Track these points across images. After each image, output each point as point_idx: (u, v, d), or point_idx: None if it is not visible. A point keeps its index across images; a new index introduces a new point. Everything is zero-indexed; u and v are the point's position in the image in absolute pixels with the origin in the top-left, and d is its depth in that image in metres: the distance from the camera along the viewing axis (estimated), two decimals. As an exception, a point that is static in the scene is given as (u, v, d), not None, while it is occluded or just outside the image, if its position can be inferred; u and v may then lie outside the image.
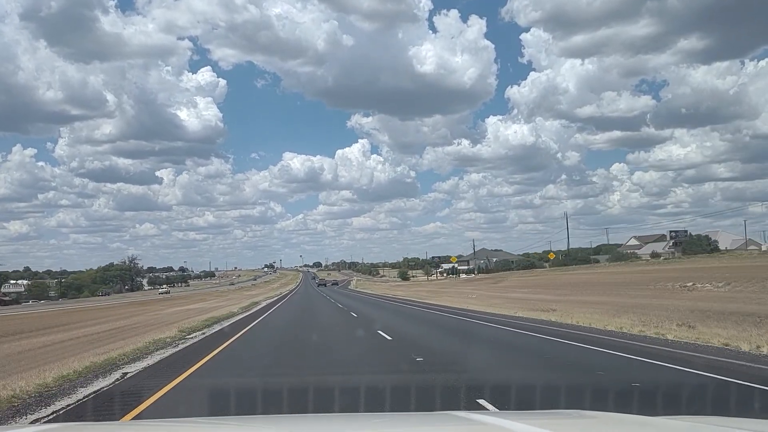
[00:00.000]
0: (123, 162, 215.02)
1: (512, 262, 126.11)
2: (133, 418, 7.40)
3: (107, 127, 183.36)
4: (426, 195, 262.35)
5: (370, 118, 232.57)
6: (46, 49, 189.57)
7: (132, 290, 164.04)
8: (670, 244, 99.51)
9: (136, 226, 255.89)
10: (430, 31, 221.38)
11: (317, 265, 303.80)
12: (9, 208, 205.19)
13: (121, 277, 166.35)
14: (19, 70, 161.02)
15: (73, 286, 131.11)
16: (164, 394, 9.14)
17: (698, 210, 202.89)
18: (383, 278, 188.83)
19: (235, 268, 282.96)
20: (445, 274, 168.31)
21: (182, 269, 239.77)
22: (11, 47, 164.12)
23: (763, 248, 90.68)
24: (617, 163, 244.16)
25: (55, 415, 7.97)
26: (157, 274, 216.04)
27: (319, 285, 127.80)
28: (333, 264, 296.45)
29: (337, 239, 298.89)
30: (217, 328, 23.46)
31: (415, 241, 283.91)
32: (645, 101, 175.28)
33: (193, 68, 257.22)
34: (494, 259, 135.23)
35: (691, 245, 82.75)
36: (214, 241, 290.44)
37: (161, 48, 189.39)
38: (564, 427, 3.09)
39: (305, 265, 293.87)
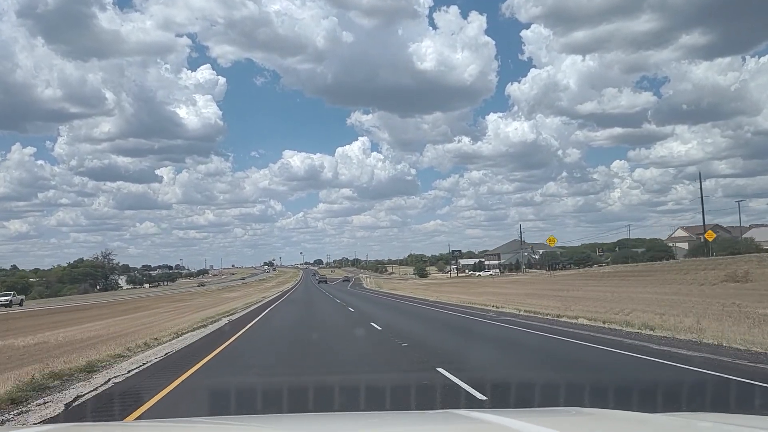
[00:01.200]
0: (122, 160, 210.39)
1: (559, 254, 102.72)
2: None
3: (106, 126, 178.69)
4: (426, 193, 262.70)
5: (370, 116, 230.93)
6: (44, 46, 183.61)
7: (106, 290, 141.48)
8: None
9: (137, 225, 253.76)
10: (430, 28, 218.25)
11: (318, 262, 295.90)
12: (9, 207, 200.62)
13: (92, 275, 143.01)
14: (17, 68, 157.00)
15: (16, 287, 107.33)
16: None
17: (699, 207, 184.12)
18: (393, 275, 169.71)
19: (233, 265, 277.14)
20: (466, 270, 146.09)
21: (169, 267, 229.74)
22: (9, 45, 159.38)
23: None
24: (618, 160, 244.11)
25: None
26: (145, 272, 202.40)
27: (319, 282, 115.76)
28: (334, 261, 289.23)
29: (337, 237, 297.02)
30: None
31: (415, 238, 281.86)
32: (646, 98, 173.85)
33: (192, 66, 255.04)
34: (539, 252, 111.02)
35: None
36: (215, 239, 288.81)
37: (160, 45, 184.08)
38: (563, 424, 2.93)
39: (306, 263, 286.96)
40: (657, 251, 77.31)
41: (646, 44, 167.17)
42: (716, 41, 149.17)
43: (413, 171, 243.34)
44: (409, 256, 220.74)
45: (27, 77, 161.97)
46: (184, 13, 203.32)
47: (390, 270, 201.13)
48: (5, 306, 58.64)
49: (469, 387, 8.19)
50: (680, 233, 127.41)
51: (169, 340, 16.85)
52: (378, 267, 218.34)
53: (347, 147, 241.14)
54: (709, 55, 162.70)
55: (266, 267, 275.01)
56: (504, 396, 7.69)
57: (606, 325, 17.16)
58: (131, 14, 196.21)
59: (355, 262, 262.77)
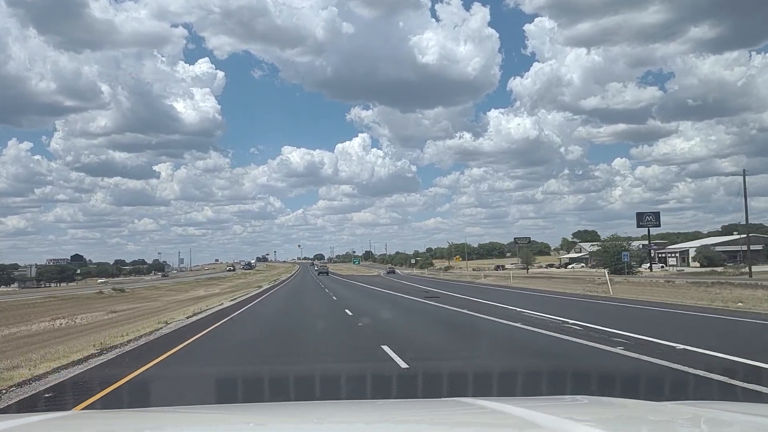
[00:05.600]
0: (119, 156, 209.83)
1: None
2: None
3: (102, 120, 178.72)
4: (427, 190, 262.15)
5: (370, 111, 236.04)
6: (36, 38, 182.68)
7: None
8: None
9: (135, 221, 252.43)
10: (433, 20, 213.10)
11: (319, 257, 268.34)
12: (6, 203, 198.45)
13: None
14: (10, 60, 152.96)
15: None
16: None
17: (701, 206, 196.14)
18: (457, 271, 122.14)
19: (216, 260, 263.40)
20: (623, 263, 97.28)
21: (116, 262, 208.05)
22: (0, 36, 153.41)
23: None
24: (619, 158, 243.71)
25: None
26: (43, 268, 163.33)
27: (320, 274, 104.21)
28: (337, 256, 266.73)
29: (337, 234, 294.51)
30: None
31: (415, 236, 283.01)
32: (651, 93, 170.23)
33: (189, 58, 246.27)
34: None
35: None
36: (213, 236, 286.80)
37: (155, 36, 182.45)
38: (572, 413, 2.90)
39: (305, 258, 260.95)
40: None
41: (653, 37, 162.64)
42: (725, 34, 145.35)
43: (414, 168, 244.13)
44: (449, 245, 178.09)
45: (20, 69, 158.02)
46: (179, 2, 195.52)
47: (446, 264, 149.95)
48: None
49: None
50: None
51: None
52: (420, 262, 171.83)
53: (347, 143, 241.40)
54: (717, 48, 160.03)
55: (253, 262, 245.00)
56: None
57: None
58: (125, 3, 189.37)
59: (368, 255, 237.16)
